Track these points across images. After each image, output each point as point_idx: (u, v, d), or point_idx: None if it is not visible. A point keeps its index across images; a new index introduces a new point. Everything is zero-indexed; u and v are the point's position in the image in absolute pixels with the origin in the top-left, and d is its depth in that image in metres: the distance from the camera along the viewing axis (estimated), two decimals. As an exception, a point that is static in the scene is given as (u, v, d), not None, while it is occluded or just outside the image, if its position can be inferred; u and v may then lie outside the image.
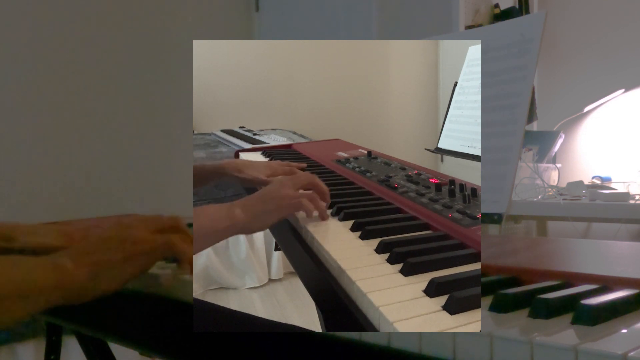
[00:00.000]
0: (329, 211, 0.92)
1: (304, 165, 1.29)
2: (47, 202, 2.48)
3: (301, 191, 0.89)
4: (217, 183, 1.21)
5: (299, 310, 2.85)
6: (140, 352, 1.68)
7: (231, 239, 3.21)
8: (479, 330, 0.47)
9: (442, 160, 3.90)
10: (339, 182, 1.16)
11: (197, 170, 1.20)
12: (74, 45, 2.62)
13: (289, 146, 1.79)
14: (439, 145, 1.45)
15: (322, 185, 0.92)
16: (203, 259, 3.12)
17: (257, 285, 3.23)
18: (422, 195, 0.97)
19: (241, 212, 0.79)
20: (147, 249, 0.69)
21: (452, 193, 0.96)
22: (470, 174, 1.48)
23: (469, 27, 2.42)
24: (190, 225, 1.08)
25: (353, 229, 0.82)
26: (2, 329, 0.60)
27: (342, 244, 0.75)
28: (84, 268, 0.65)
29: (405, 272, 0.64)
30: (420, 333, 0.48)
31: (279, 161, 1.31)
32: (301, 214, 0.89)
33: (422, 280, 0.61)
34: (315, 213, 0.88)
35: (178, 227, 0.74)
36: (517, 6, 2.63)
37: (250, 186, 1.24)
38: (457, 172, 1.32)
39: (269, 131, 3.35)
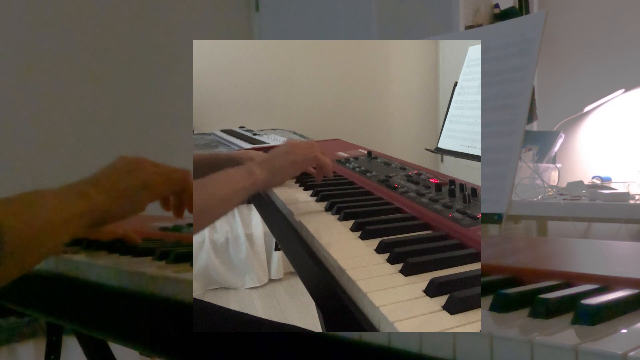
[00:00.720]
0: (329, 211, 0.93)
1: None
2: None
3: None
4: None
5: (299, 310, 2.85)
6: (140, 352, 1.68)
7: (231, 239, 3.21)
8: (479, 330, 0.47)
9: (442, 160, 3.90)
10: (339, 182, 1.16)
11: (212, 158, 1.22)
12: (74, 45, 2.62)
13: (289, 146, 1.79)
14: (439, 145, 1.45)
15: (326, 159, 0.99)
16: (203, 259, 3.12)
17: (257, 285, 3.23)
18: (422, 195, 0.96)
19: (260, 170, 0.85)
20: (163, 180, 0.76)
21: (452, 193, 0.96)
22: (470, 174, 1.48)
23: (469, 27, 2.42)
24: (191, 225, 1.09)
25: (353, 229, 0.82)
26: (39, 261, 0.64)
27: (342, 244, 0.75)
28: (106, 193, 0.70)
29: (405, 272, 0.64)
30: (420, 333, 0.48)
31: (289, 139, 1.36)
32: (300, 210, 0.90)
33: (422, 280, 0.61)
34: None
35: (187, 181, 0.81)
36: (517, 6, 2.64)
37: None
38: (457, 172, 1.32)
39: (269, 131, 3.35)
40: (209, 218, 0.78)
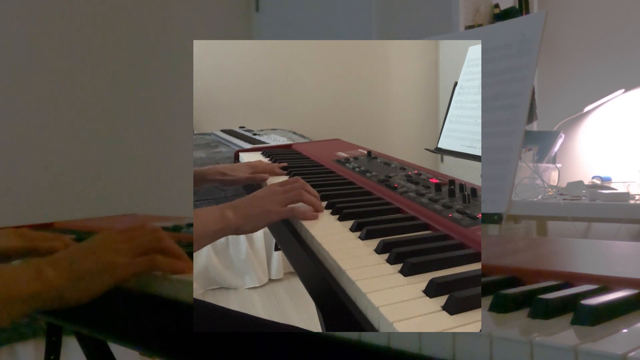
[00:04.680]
0: (328, 211, 0.93)
1: (285, 164, 1.33)
2: (47, 202, 2.48)
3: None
4: (202, 189, 1.24)
5: (299, 310, 2.85)
6: (140, 352, 1.68)
7: (231, 239, 3.21)
8: (479, 330, 0.47)
9: (442, 160, 3.91)
10: (338, 182, 1.16)
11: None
12: (74, 45, 2.62)
13: (289, 146, 1.79)
14: (439, 145, 1.45)
15: (311, 199, 0.93)
16: (203, 259, 3.12)
17: (257, 285, 3.23)
18: (422, 195, 0.96)
19: (232, 215, 0.83)
20: (129, 270, 0.71)
21: (452, 193, 0.95)
22: (470, 174, 1.48)
23: (469, 27, 2.42)
24: (190, 225, 1.09)
25: (353, 229, 0.82)
26: None
27: (342, 244, 0.75)
28: (65, 276, 0.67)
29: (405, 272, 0.64)
30: (420, 333, 0.48)
31: (259, 160, 1.37)
32: (300, 210, 0.90)
33: (422, 280, 0.61)
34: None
35: (160, 247, 0.75)
36: (517, 6, 2.63)
37: (237, 186, 1.27)
38: (457, 172, 1.32)
39: (269, 131, 3.35)
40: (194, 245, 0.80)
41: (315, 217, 0.89)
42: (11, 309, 0.63)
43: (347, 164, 1.33)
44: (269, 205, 0.87)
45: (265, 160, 1.53)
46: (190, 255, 0.83)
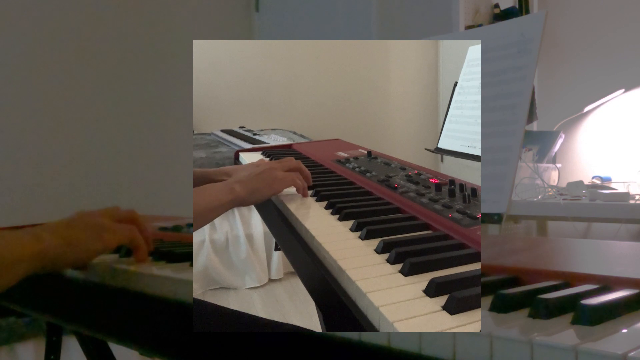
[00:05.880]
0: (328, 211, 0.93)
1: None
2: (47, 201, 2.48)
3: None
4: None
5: (299, 310, 2.85)
6: (140, 352, 1.68)
7: (231, 239, 3.21)
8: (479, 330, 0.47)
9: (442, 160, 3.90)
10: (339, 182, 1.16)
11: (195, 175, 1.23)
12: (74, 45, 2.62)
13: (289, 146, 1.79)
14: (439, 145, 1.45)
15: (305, 169, 1.08)
16: (203, 259, 3.12)
17: (257, 285, 3.23)
18: (422, 195, 0.96)
19: (240, 188, 0.92)
20: (114, 235, 0.80)
21: (452, 193, 0.95)
22: (470, 174, 1.48)
23: (469, 27, 2.42)
24: (191, 225, 1.10)
25: (353, 229, 0.82)
26: None
27: (342, 244, 0.75)
28: (58, 239, 0.74)
29: (405, 272, 0.64)
30: (420, 333, 0.48)
31: (261, 159, 1.40)
32: (300, 210, 0.91)
33: (422, 280, 0.61)
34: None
35: (135, 219, 0.85)
36: (517, 6, 2.63)
37: None
38: (457, 172, 1.32)
39: (269, 131, 3.35)
40: (196, 224, 0.86)
41: (306, 195, 1.02)
42: (15, 268, 0.69)
43: (347, 164, 1.33)
44: (271, 177, 0.98)
45: (266, 160, 1.53)
46: (191, 257, 0.84)
